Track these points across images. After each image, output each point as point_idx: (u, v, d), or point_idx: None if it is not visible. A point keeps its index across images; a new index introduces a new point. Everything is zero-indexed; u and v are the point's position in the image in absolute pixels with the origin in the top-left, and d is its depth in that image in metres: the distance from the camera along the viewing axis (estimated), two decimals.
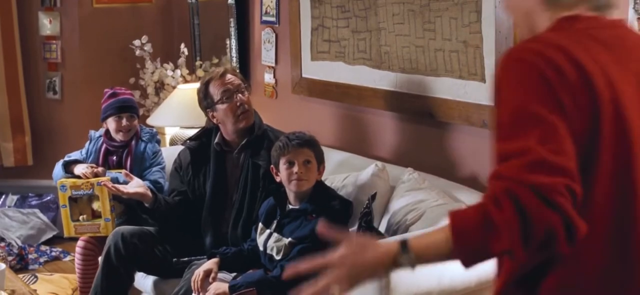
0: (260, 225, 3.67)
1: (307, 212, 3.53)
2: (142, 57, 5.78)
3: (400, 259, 1.76)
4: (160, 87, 5.80)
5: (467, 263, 1.71)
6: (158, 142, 4.59)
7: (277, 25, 5.15)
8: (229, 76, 3.99)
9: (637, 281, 1.78)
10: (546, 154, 1.65)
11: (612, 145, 1.76)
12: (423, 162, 4.04)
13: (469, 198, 3.62)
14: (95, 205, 4.20)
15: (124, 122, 4.42)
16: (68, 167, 4.33)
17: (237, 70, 4.25)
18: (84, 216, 4.22)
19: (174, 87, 5.60)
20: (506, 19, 3.54)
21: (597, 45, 1.82)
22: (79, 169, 4.25)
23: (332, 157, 4.39)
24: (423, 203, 3.61)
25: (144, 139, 4.51)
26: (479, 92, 3.75)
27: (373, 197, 3.69)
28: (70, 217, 4.20)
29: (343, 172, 4.11)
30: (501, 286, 1.86)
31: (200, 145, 4.09)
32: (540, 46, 1.79)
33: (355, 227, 3.64)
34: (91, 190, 4.15)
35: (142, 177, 4.28)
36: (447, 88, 3.92)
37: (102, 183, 4.08)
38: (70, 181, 4.20)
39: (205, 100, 3.99)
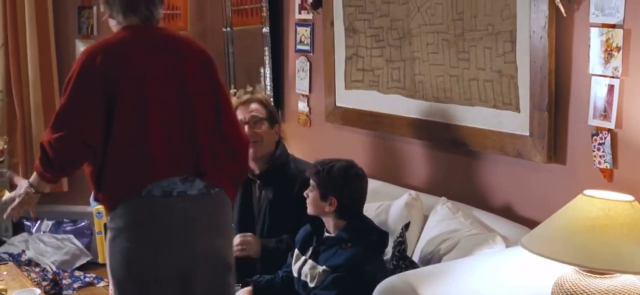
0: (296, 251, 3.66)
1: (343, 241, 3.52)
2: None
3: (29, 189, 3.30)
4: None
5: (46, 181, 3.30)
6: None
7: (311, 54, 5.17)
8: (251, 105, 4.11)
9: (151, 158, 3.16)
10: (59, 122, 3.11)
11: (131, 95, 3.13)
12: (457, 192, 4.03)
13: (503, 228, 3.60)
14: None
15: None
16: None
17: (266, 100, 4.29)
18: None
19: None
20: (542, 49, 3.54)
21: (133, 40, 3.22)
22: None
23: None
24: (457, 232, 3.60)
25: None
26: (513, 122, 3.74)
27: (406, 226, 3.68)
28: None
29: (376, 200, 4.10)
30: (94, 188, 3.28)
31: None
32: (91, 46, 3.23)
33: (389, 257, 3.63)
34: None
35: None
36: (481, 117, 3.91)
37: None
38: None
39: None
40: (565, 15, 3.45)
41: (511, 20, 3.69)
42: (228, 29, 6.03)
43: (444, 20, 4.06)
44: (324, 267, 3.49)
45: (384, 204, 4.04)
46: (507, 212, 3.79)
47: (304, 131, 5.21)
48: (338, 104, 4.87)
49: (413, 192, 3.98)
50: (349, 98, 4.78)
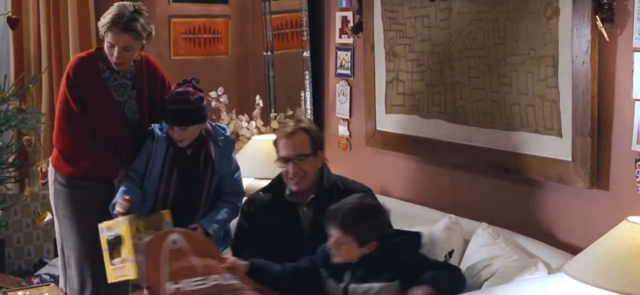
0: (330, 281, 3.60)
1: (384, 252, 3.50)
2: (218, 108, 5.85)
3: None
4: (235, 138, 5.86)
5: None
6: (232, 144, 4.32)
7: (351, 78, 5.18)
8: (296, 138, 3.94)
9: None
10: None
11: None
12: (497, 217, 4.00)
13: (546, 254, 3.57)
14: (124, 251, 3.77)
15: (176, 134, 4.07)
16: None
17: (309, 127, 4.07)
18: (119, 258, 3.79)
19: (248, 138, 5.65)
20: (584, 74, 3.51)
21: None
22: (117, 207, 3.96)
23: (405, 210, 4.37)
24: (498, 258, 3.57)
25: (219, 143, 4.19)
26: (555, 147, 3.71)
27: (450, 253, 3.66)
28: (110, 261, 3.81)
29: (416, 225, 4.08)
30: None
31: (274, 196, 4.06)
32: None
33: None
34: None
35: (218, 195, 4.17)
36: (522, 142, 3.89)
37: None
38: (107, 223, 3.86)
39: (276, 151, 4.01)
40: (608, 39, 3.43)
41: (553, 45, 3.67)
42: (269, 53, 6.06)
43: (485, 44, 4.05)
44: (381, 284, 3.43)
45: (423, 228, 4.02)
46: (549, 238, 3.76)
47: (344, 155, 5.21)
48: (378, 128, 4.87)
49: (453, 216, 3.96)
50: (389, 122, 4.78)
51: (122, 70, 4.23)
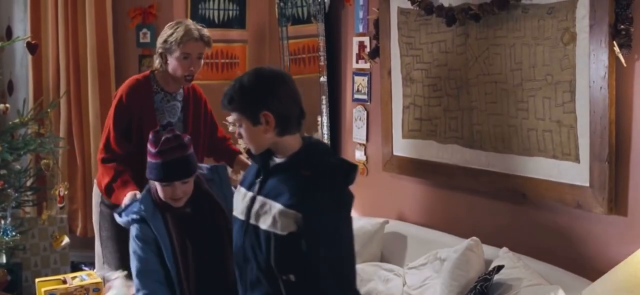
0: (241, 189, 3.12)
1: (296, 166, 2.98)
2: (234, 134, 5.86)
3: None
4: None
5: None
6: (224, 170, 3.70)
7: (368, 103, 5.18)
8: None
9: None
10: None
11: None
12: (516, 242, 3.99)
13: (564, 280, 3.55)
14: None
15: (178, 191, 3.34)
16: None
17: None
18: None
19: None
20: (602, 99, 3.50)
21: None
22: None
23: (422, 235, 4.37)
24: (518, 283, 3.55)
25: (210, 178, 3.54)
26: (573, 173, 3.70)
27: (498, 268, 3.62)
28: None
29: (433, 251, 4.09)
30: None
31: None
32: None
33: (469, 288, 3.58)
34: None
35: None
36: (540, 168, 3.88)
37: None
38: (61, 288, 3.66)
39: None
40: (625, 65, 3.43)
41: (570, 70, 3.67)
42: None
43: (502, 70, 4.05)
44: (277, 206, 2.85)
45: (441, 250, 4.03)
46: (568, 264, 3.75)
47: (361, 180, 5.20)
48: (395, 153, 4.86)
49: (475, 238, 3.94)
50: (406, 147, 4.78)
51: (174, 91, 4.33)
